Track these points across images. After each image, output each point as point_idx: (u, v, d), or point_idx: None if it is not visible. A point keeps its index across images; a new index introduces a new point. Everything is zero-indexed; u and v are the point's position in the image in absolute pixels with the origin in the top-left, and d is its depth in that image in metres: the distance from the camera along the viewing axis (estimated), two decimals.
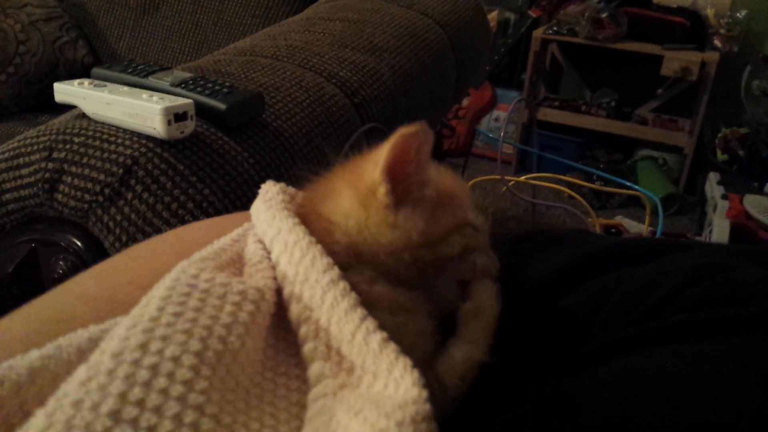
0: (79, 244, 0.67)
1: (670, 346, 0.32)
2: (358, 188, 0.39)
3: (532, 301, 0.42)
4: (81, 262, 0.67)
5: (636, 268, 0.39)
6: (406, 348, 0.32)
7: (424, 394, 0.29)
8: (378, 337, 0.32)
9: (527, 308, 0.42)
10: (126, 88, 0.70)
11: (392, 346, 0.32)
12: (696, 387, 0.30)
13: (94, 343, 0.30)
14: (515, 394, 0.35)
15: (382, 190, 0.38)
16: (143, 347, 0.28)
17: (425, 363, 0.35)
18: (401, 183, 0.38)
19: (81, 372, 0.27)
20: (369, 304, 0.34)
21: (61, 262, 0.67)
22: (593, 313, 0.38)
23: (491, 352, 0.37)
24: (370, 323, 0.33)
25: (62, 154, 0.65)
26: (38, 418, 0.25)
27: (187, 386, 0.27)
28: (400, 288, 0.38)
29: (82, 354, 0.30)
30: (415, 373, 0.30)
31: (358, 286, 0.36)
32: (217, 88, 0.74)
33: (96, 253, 0.67)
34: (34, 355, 0.29)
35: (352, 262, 0.38)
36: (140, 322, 0.29)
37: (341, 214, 0.39)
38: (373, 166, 0.38)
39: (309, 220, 0.40)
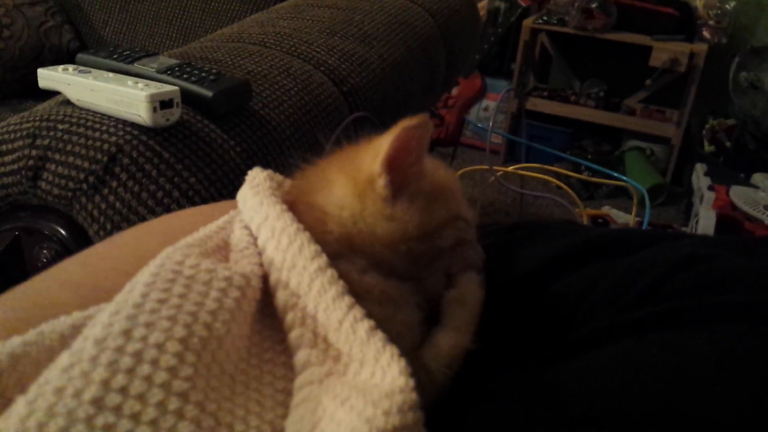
0: (63, 232, 0.67)
1: (656, 334, 0.33)
2: (356, 179, 0.39)
3: (519, 291, 0.42)
4: (65, 251, 0.66)
5: (623, 258, 0.40)
6: (393, 338, 0.32)
7: (411, 383, 0.28)
8: (365, 325, 0.32)
9: (514, 297, 0.42)
10: (111, 75, 0.69)
11: (379, 335, 0.31)
12: (682, 375, 0.30)
13: (77, 329, 0.30)
14: (502, 383, 0.35)
15: (381, 182, 0.38)
16: (127, 333, 0.27)
17: (412, 352, 0.35)
18: (399, 175, 0.38)
19: (63, 358, 0.26)
20: (358, 294, 0.34)
21: (45, 251, 0.67)
22: (580, 303, 0.38)
23: (477, 339, 0.37)
24: (358, 311, 0.33)
25: (46, 141, 0.65)
26: (19, 405, 0.25)
27: (172, 373, 0.27)
28: (391, 279, 0.37)
29: (65, 340, 0.29)
30: (402, 362, 0.30)
31: (349, 275, 0.35)
32: (203, 75, 0.73)
33: (80, 241, 0.66)
34: (15, 342, 0.29)
35: (344, 252, 0.38)
36: (124, 309, 0.28)
37: (335, 204, 0.39)
38: (372, 157, 0.38)
39: (298, 208, 0.40)
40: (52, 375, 0.26)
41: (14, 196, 0.67)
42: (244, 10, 1.54)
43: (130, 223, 0.64)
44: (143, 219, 0.64)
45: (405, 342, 0.33)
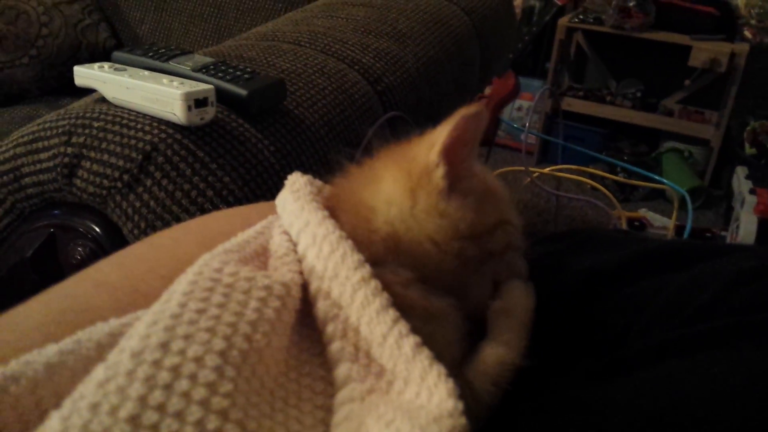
0: (97, 230, 0.66)
1: (717, 351, 0.31)
2: (410, 170, 0.37)
3: (568, 304, 0.40)
4: (99, 249, 0.66)
5: (681, 272, 0.37)
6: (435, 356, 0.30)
7: (460, 406, 0.27)
8: (411, 341, 0.30)
9: (563, 311, 0.40)
10: (146, 73, 0.69)
11: (426, 352, 0.30)
12: (747, 396, 0.28)
13: (114, 337, 0.29)
14: (549, 399, 0.33)
15: (439, 172, 0.36)
16: (164, 346, 0.26)
17: (453, 369, 0.33)
18: (456, 167, 0.36)
19: (99, 372, 0.25)
20: (401, 309, 0.32)
21: (79, 248, 0.67)
22: (635, 317, 0.36)
23: (525, 354, 0.35)
24: (403, 326, 0.31)
25: (81, 139, 0.64)
26: (53, 421, 0.24)
27: (211, 389, 0.25)
28: (433, 294, 0.36)
29: (102, 349, 0.28)
30: (450, 383, 0.28)
31: (392, 288, 0.34)
32: (238, 73, 0.72)
33: (115, 239, 0.66)
34: (51, 350, 0.28)
35: (388, 256, 0.36)
36: (162, 319, 0.27)
37: (383, 201, 0.37)
38: (428, 147, 0.37)
39: (342, 210, 0.38)
40: (88, 390, 0.24)
41: (49, 193, 0.67)
42: (279, 9, 1.54)
43: (164, 222, 0.63)
44: (177, 218, 0.63)
45: (445, 361, 0.31)
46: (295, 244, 0.36)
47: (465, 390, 0.33)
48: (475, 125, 0.36)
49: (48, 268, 0.68)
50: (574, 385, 0.33)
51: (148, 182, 0.63)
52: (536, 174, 1.28)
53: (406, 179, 0.37)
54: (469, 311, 0.37)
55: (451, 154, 0.36)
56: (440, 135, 0.36)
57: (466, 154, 0.37)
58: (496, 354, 0.35)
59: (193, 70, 0.72)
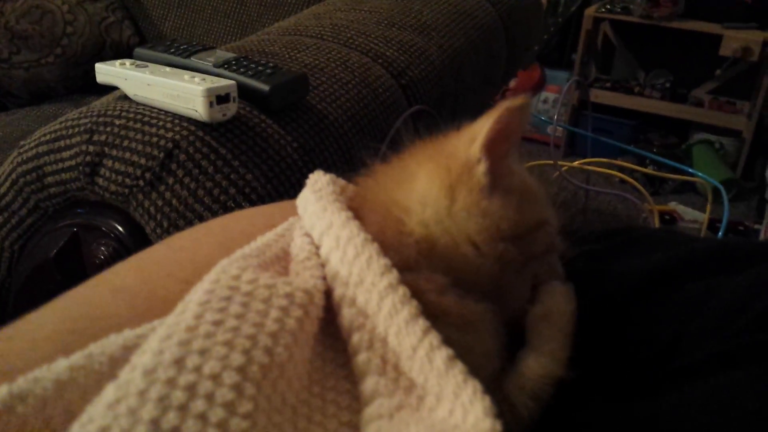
0: (120, 229, 0.66)
1: None
2: (448, 167, 0.35)
3: (614, 309, 0.38)
4: (123, 248, 0.65)
5: (732, 275, 0.35)
6: (470, 369, 0.28)
7: (498, 427, 0.25)
8: (443, 353, 0.28)
9: (608, 317, 0.37)
10: (168, 69, 0.68)
11: (459, 366, 0.28)
12: None
13: (127, 350, 0.27)
14: (594, 414, 0.31)
15: (481, 168, 0.34)
16: (179, 363, 0.24)
17: (491, 383, 0.31)
18: (498, 163, 0.34)
19: (109, 392, 0.24)
20: (434, 316, 0.30)
21: (102, 248, 0.66)
22: (684, 325, 0.33)
23: (569, 364, 0.33)
24: (434, 337, 0.29)
25: (103, 137, 0.64)
26: None
27: (229, 410, 0.23)
28: (469, 300, 0.33)
29: (115, 363, 0.27)
30: (487, 400, 0.26)
31: (426, 295, 0.32)
32: (260, 68, 0.71)
33: (138, 238, 0.65)
34: (61, 366, 0.26)
35: (420, 261, 0.34)
36: (176, 333, 0.25)
37: (417, 200, 0.35)
38: (468, 142, 0.34)
39: (369, 211, 0.36)
40: (97, 412, 0.23)
41: (72, 192, 0.67)
42: (301, 3, 1.53)
43: (187, 220, 0.62)
44: (200, 216, 0.62)
45: (484, 374, 0.29)
46: (317, 247, 0.34)
47: (504, 407, 0.31)
48: (519, 118, 0.34)
49: (72, 268, 0.67)
50: (620, 400, 0.31)
51: (170, 180, 0.62)
52: (565, 168, 1.25)
53: (443, 176, 0.35)
54: (506, 317, 0.35)
55: (493, 148, 0.34)
56: (482, 128, 0.34)
57: (508, 149, 0.35)
58: (537, 366, 0.33)
59: (215, 66, 0.71)
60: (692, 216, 2.17)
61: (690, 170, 1.69)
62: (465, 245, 0.34)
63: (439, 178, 0.35)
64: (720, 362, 0.29)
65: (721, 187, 1.25)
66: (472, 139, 0.34)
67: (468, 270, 0.34)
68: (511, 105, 0.33)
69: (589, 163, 1.37)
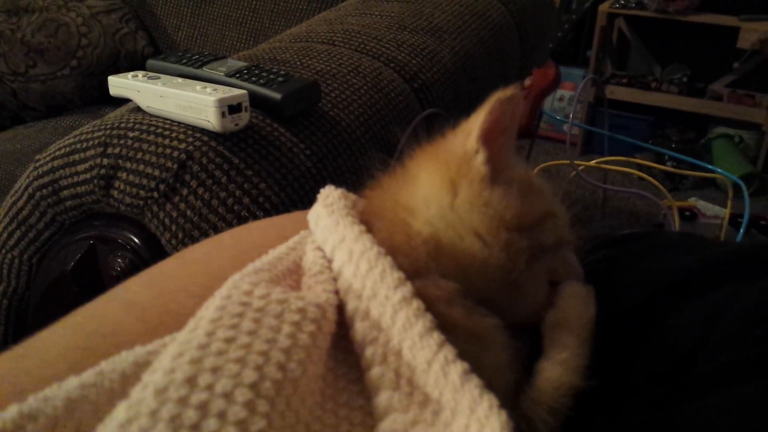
0: (136, 240, 0.66)
1: None
2: (447, 162, 0.35)
3: (633, 315, 0.37)
4: (139, 259, 0.66)
5: (760, 279, 0.34)
6: (485, 383, 0.27)
7: None
8: (458, 367, 0.27)
9: (629, 323, 0.36)
10: (180, 80, 0.68)
11: (475, 380, 0.27)
12: None
13: (139, 367, 0.27)
14: (614, 424, 0.30)
15: (479, 158, 0.34)
16: (191, 381, 0.24)
17: (505, 398, 0.30)
18: (495, 156, 0.35)
19: (120, 412, 0.23)
20: (444, 329, 0.30)
21: (119, 259, 0.66)
22: (708, 331, 0.32)
23: (588, 373, 0.32)
24: (449, 351, 0.28)
25: (117, 150, 0.64)
26: None
27: (242, 428, 0.23)
28: (477, 315, 0.33)
29: (126, 380, 0.27)
30: (503, 415, 0.25)
31: (436, 307, 0.31)
32: (272, 77, 0.71)
33: (153, 249, 0.65)
34: (72, 384, 0.26)
35: (430, 263, 0.33)
36: (187, 351, 0.25)
37: (421, 199, 0.35)
38: (464, 136, 0.35)
39: (377, 219, 0.36)
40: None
41: (88, 205, 0.67)
42: (313, 9, 1.53)
43: (201, 231, 0.62)
44: (214, 226, 0.62)
45: (497, 387, 0.28)
46: (329, 261, 0.34)
47: (522, 423, 0.30)
48: (512, 109, 0.34)
49: (89, 280, 0.68)
50: (640, 410, 0.30)
51: (184, 191, 0.62)
52: (582, 167, 1.24)
53: (443, 172, 0.35)
54: (524, 318, 0.34)
55: (489, 139, 0.34)
56: (476, 120, 0.34)
57: (505, 142, 0.35)
58: (554, 377, 0.32)
59: (227, 75, 0.71)
60: (713, 211, 2.14)
61: (709, 166, 1.67)
62: (470, 238, 0.34)
63: (439, 175, 0.35)
64: (744, 369, 0.28)
65: (741, 183, 1.23)
66: (467, 133, 0.35)
67: (476, 265, 0.34)
68: (501, 96, 0.33)
69: (605, 162, 1.36)
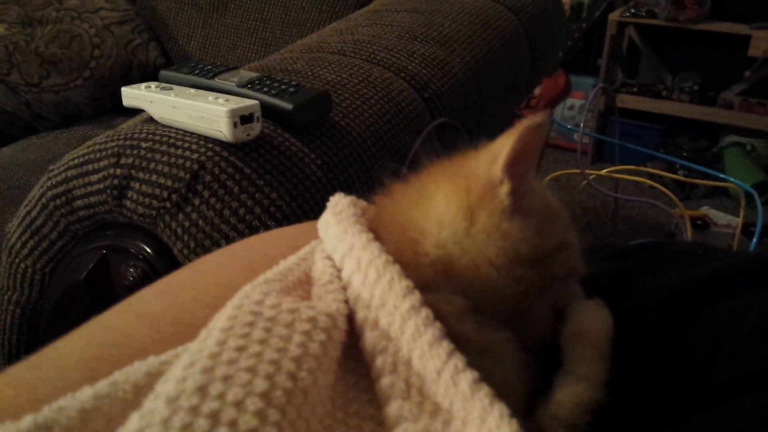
0: (148, 250, 0.66)
1: None
2: (468, 187, 0.34)
3: (644, 328, 0.37)
4: (151, 269, 0.66)
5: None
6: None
7: None
8: (468, 376, 0.27)
9: (638, 337, 0.36)
10: (192, 91, 0.69)
11: (485, 389, 0.27)
12: None
13: (152, 378, 0.27)
14: None
15: (504, 189, 0.33)
16: (202, 390, 0.24)
17: (516, 410, 0.30)
18: (520, 183, 0.34)
19: (133, 422, 0.24)
20: (454, 342, 0.29)
21: (131, 269, 0.67)
22: (720, 342, 0.32)
23: (607, 387, 0.32)
24: (459, 360, 0.28)
25: (130, 160, 0.64)
26: None
27: None
28: (488, 329, 0.33)
29: (139, 391, 0.27)
30: (514, 424, 0.25)
31: (446, 321, 0.31)
32: (283, 87, 0.72)
33: (166, 259, 0.66)
34: (86, 394, 0.26)
35: (438, 280, 0.33)
36: (199, 360, 0.25)
37: (434, 221, 0.34)
38: (489, 161, 0.34)
39: (386, 231, 0.35)
40: None
41: (101, 215, 0.68)
42: (323, 20, 1.54)
43: (213, 241, 0.63)
44: (226, 236, 0.63)
45: (508, 399, 0.28)
46: (339, 270, 0.34)
47: None
48: (539, 136, 0.33)
49: (101, 289, 0.68)
50: (651, 422, 0.30)
51: (197, 201, 0.63)
52: (593, 176, 1.23)
53: (462, 197, 0.34)
54: (530, 343, 0.34)
55: (515, 168, 0.33)
56: (503, 147, 0.33)
57: (527, 168, 0.34)
58: (573, 395, 0.31)
59: (239, 86, 0.71)
60: (725, 220, 2.13)
61: (721, 175, 1.66)
62: (485, 267, 0.33)
63: (457, 199, 0.34)
64: (756, 381, 0.28)
65: (754, 192, 1.22)
66: (492, 159, 0.34)
67: (488, 292, 0.33)
68: (531, 123, 0.32)
69: (616, 171, 1.35)
